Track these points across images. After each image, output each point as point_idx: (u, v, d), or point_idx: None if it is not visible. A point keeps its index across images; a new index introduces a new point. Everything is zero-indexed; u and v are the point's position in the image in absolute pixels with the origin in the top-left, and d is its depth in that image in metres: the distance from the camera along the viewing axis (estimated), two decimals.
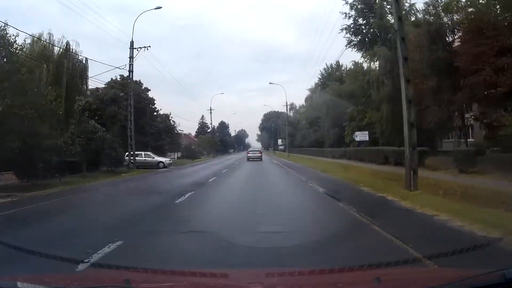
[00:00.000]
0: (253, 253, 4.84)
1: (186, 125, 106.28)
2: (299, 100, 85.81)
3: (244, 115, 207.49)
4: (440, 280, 2.17)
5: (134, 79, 41.14)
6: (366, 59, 32.58)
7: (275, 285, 2.60)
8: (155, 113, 40.99)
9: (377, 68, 30.83)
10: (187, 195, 10.59)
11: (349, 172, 17.02)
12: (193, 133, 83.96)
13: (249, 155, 44.89)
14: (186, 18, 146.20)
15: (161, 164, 31.86)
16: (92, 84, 32.11)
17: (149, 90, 38.80)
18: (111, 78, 36.28)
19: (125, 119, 34.13)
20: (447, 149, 22.39)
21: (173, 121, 40.05)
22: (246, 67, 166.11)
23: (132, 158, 27.35)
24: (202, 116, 73.36)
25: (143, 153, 31.55)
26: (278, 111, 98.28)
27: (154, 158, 32.14)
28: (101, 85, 35.45)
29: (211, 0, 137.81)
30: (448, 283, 1.98)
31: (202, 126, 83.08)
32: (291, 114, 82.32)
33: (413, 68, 22.16)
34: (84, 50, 47.21)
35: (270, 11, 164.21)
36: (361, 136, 31.61)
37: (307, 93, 66.80)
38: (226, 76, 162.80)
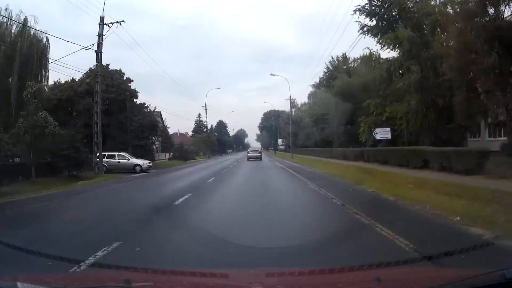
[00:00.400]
0: None
1: (187, 125, 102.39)
2: (300, 99, 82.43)
3: (244, 115, 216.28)
4: (440, 280, 2.17)
5: (116, 68, 35.94)
6: (383, 45, 28.96)
7: (275, 285, 2.58)
8: (145, 109, 38.50)
9: (398, 54, 27.95)
10: (100, 253, 5.31)
11: (395, 185, 12.62)
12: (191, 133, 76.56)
13: (249, 154, 47.49)
14: (186, 18, 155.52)
15: (137, 168, 28.35)
16: (68, 73, 26.73)
17: (132, 80, 36.85)
18: (90, 68, 32.20)
19: (101, 113, 28.15)
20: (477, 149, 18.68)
21: (158, 116, 33.76)
22: (246, 67, 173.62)
23: (98, 160, 24.61)
24: (199, 115, 70.41)
25: (116, 154, 29.02)
26: (278, 110, 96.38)
27: (129, 160, 28.94)
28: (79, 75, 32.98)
29: (211, 0, 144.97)
30: (448, 283, 1.98)
31: (199, 125, 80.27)
32: (293, 112, 77.87)
33: (464, 42, 15.85)
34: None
35: (270, 11, 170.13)
36: (383, 133, 28.02)
37: (309, 90, 64.57)
38: (226, 76, 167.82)
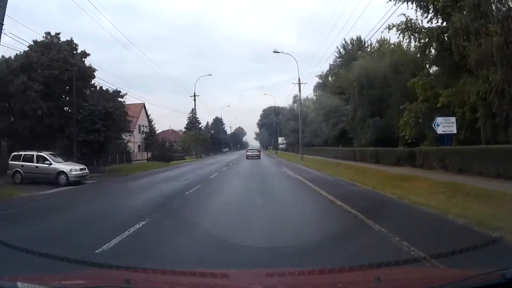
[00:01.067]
0: None
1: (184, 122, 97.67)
2: (302, 95, 75.52)
3: (244, 115, 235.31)
4: (440, 280, 2.25)
5: (68, 38, 28.34)
6: (426, 9, 21.55)
7: (275, 285, 2.67)
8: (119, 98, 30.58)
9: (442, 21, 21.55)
10: None
11: None
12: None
13: (248, 153, 50.94)
14: (186, 18, 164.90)
15: (62, 178, 19.56)
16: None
17: (88, 55, 29.47)
18: (33, 40, 26.49)
19: (40, 96, 20.43)
20: None
21: (123, 102, 24.46)
22: (246, 67, 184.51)
23: None
24: (192, 110, 60.95)
25: (34, 154, 20.38)
26: (278, 106, 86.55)
27: (51, 165, 20.02)
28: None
29: (211, 0, 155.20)
30: (448, 283, 2.03)
31: (192, 121, 74.38)
32: (295, 107, 73.14)
33: None
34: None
35: (270, 11, 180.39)
36: (446, 125, 19.59)
37: (313, 86, 58.92)
38: (226, 75, 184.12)
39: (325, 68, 66.73)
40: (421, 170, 19.09)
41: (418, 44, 26.30)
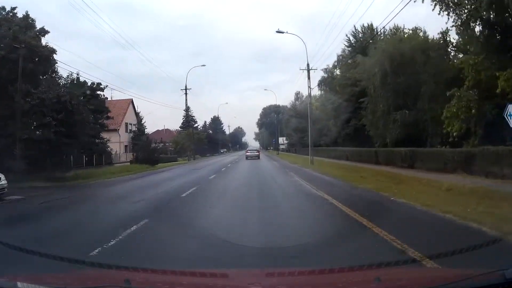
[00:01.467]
0: None
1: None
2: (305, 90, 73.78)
3: (244, 115, 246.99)
4: (440, 280, 2.27)
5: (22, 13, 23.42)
6: None
7: (275, 285, 2.70)
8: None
9: None
10: None
11: None
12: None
13: (247, 154, 56.08)
14: (186, 18, 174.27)
15: None
16: None
17: (47, 32, 23.61)
18: None
19: None
20: None
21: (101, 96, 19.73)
22: (246, 67, 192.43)
23: None
24: (188, 108, 55.98)
25: None
26: (279, 105, 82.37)
27: None
28: None
29: (211, 0, 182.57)
30: (448, 283, 2.03)
31: (188, 120, 71.28)
32: (297, 104, 70.65)
33: None
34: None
35: (270, 11, 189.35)
36: None
37: (319, 77, 54.80)
38: (226, 75, 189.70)
39: (329, 63, 63.10)
40: (491, 180, 13.72)
41: (458, 19, 21.85)
